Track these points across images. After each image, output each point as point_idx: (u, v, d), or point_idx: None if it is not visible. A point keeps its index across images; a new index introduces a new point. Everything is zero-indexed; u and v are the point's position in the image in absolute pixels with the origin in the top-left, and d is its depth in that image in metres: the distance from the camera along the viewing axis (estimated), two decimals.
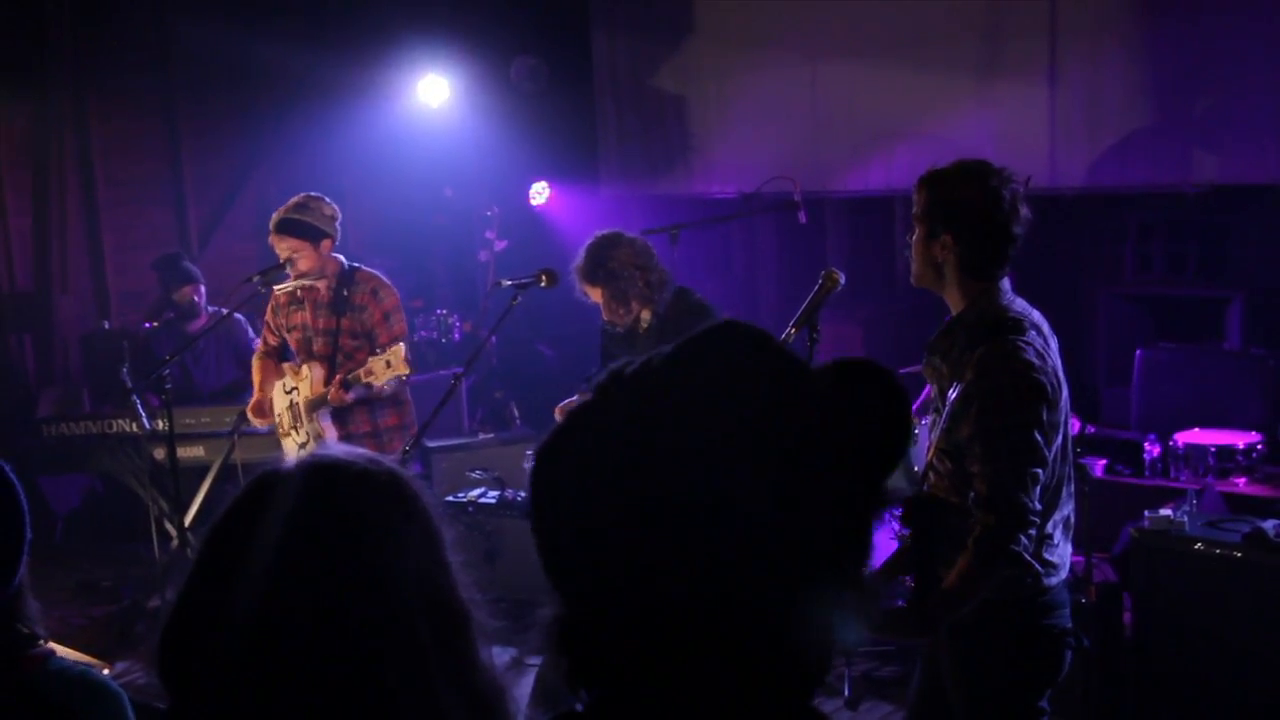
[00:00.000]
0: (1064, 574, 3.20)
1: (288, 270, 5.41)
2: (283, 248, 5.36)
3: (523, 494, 6.57)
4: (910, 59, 7.74)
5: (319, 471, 1.45)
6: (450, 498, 6.52)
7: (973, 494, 3.02)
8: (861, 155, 8.11)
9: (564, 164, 9.46)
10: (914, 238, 3.30)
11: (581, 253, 4.86)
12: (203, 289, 7.58)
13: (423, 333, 8.89)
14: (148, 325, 7.99)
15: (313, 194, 5.47)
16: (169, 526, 6.71)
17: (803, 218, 6.65)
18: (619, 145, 9.30)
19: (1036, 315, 3.23)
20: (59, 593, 6.68)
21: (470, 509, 6.37)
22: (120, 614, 6.50)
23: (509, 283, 5.22)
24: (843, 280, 4.12)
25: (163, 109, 9.20)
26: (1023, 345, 3.06)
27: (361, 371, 5.14)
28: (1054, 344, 3.22)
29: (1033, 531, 2.99)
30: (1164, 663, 4.65)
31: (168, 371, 5.61)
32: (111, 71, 8.82)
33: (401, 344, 5.16)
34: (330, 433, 5.40)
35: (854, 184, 8.27)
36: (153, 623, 6.41)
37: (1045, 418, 3.01)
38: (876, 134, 8.00)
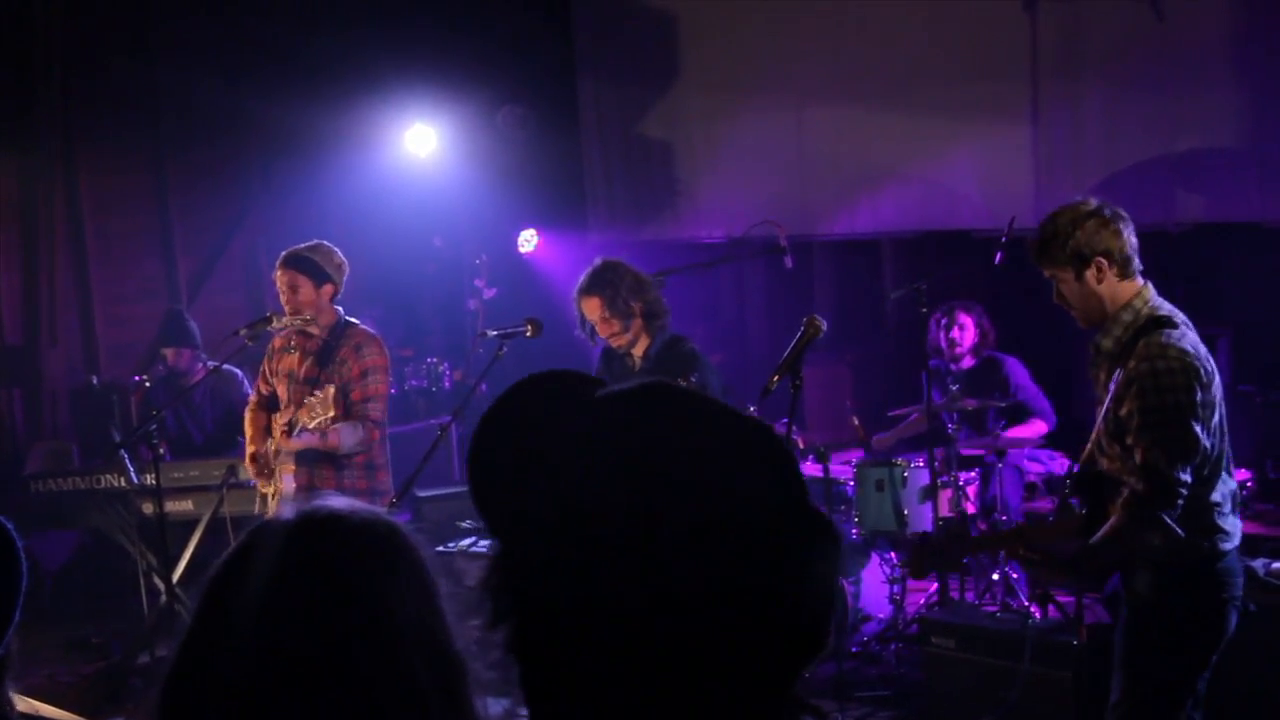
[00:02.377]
0: (1236, 541, 3.60)
1: (285, 308, 5.41)
2: (285, 282, 5.37)
3: None
4: (895, 102, 7.80)
5: (317, 523, 1.44)
6: (440, 548, 6.48)
7: (1130, 463, 3.46)
8: (848, 198, 8.15)
9: (552, 211, 9.49)
10: (1062, 293, 3.67)
11: (584, 274, 4.91)
12: (191, 354, 7.51)
13: (413, 381, 8.88)
14: (137, 378, 7.98)
15: (326, 243, 5.53)
16: (158, 582, 6.67)
17: (789, 262, 6.66)
18: (607, 191, 9.33)
19: (1182, 315, 3.64)
20: (48, 650, 6.61)
21: (460, 558, 6.33)
22: (109, 671, 6.44)
23: (494, 333, 5.23)
24: (825, 327, 4.17)
25: (151, 162, 9.22)
26: (1177, 336, 3.50)
27: (301, 412, 5.14)
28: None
29: (1180, 502, 3.40)
30: None
31: (154, 427, 5.59)
32: (100, 125, 8.85)
33: (331, 388, 5.12)
34: (288, 485, 5.34)
35: (841, 227, 8.30)
36: (145, 679, 6.35)
37: (1199, 398, 3.43)
38: (863, 177, 8.05)
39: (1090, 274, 3.56)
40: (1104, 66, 7.02)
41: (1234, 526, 3.60)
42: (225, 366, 6.81)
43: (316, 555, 1.42)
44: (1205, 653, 3.58)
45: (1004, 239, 5.95)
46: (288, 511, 1.47)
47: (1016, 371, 6.68)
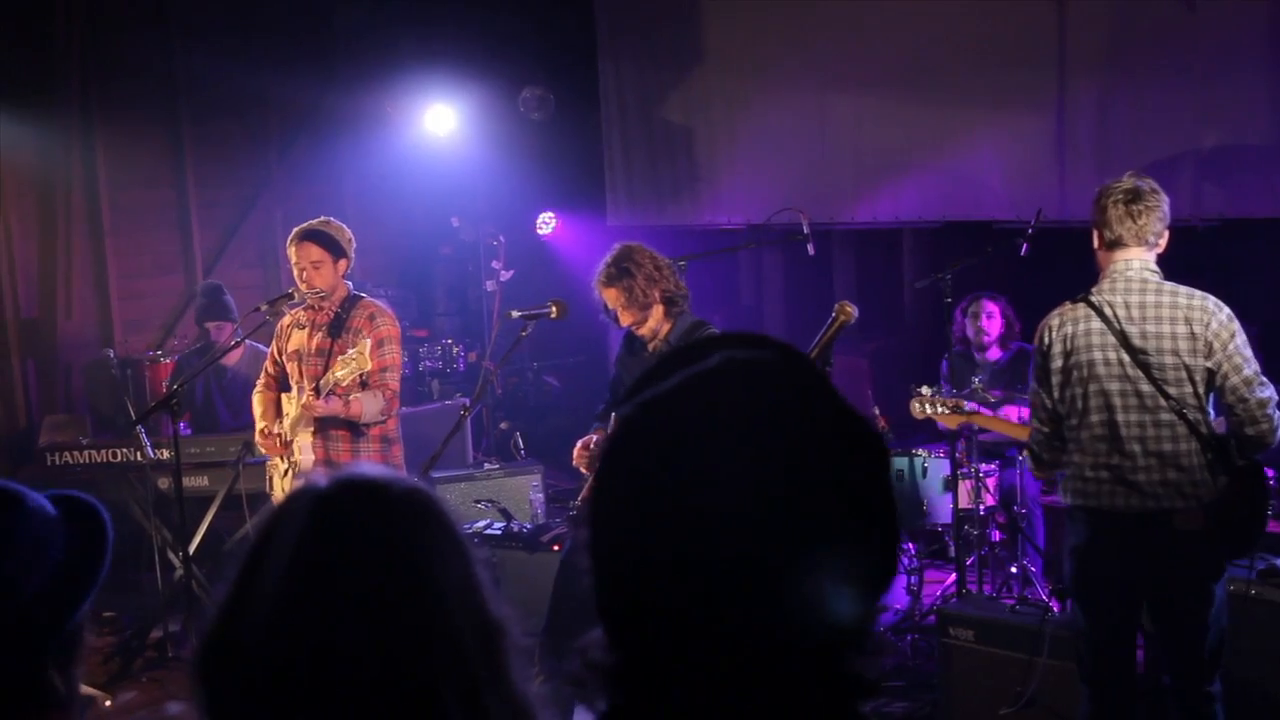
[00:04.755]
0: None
1: (299, 284, 5.39)
2: (303, 257, 5.35)
3: (528, 526, 6.52)
4: (919, 90, 7.75)
5: (358, 489, 1.44)
6: None
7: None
8: (870, 187, 8.11)
9: (571, 194, 9.46)
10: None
11: (604, 260, 4.87)
12: (231, 329, 7.45)
13: (428, 362, 8.86)
14: (151, 353, 7.96)
15: (334, 219, 5.52)
16: (172, 556, 6.66)
17: (812, 250, 6.63)
18: (626, 175, 9.29)
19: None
20: None
21: (475, 540, 6.30)
22: (122, 645, 6.43)
23: (519, 313, 5.19)
24: (856, 314, 4.14)
25: (169, 137, 9.19)
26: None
27: (334, 365, 5.11)
28: None
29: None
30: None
31: (175, 402, 5.57)
32: (119, 100, 8.81)
33: (369, 341, 5.12)
34: (307, 455, 5.33)
35: (862, 215, 8.26)
36: (159, 653, 6.35)
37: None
38: (885, 165, 8.00)
39: None
40: (1132, 58, 6.96)
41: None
42: (259, 345, 6.79)
43: (361, 519, 1.42)
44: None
45: (1030, 230, 5.91)
46: (322, 479, 1.46)
47: None
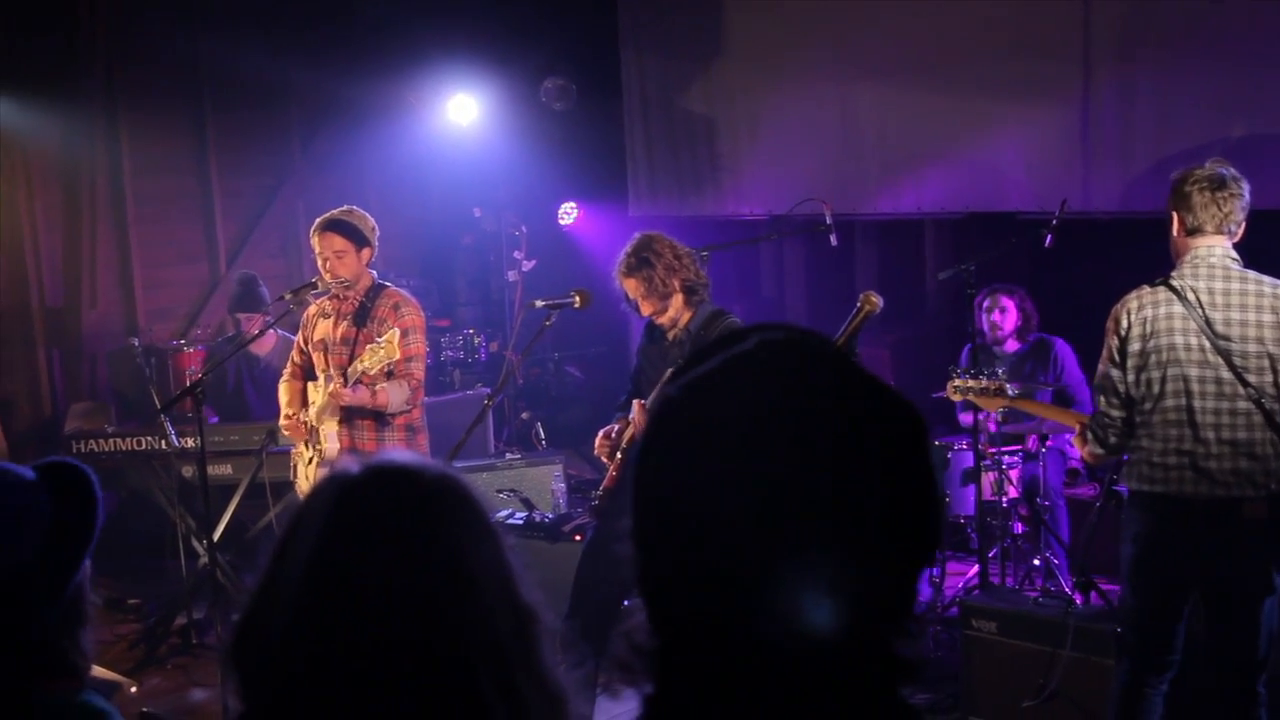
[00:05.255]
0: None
1: (323, 274, 5.41)
2: (326, 246, 5.36)
3: (550, 515, 6.53)
4: (942, 80, 7.72)
5: (391, 474, 1.46)
6: None
7: None
8: (892, 177, 8.08)
9: (593, 184, 9.47)
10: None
11: (623, 250, 4.88)
12: (262, 320, 7.43)
13: (449, 352, 8.88)
14: (175, 342, 7.99)
15: (357, 208, 5.52)
16: (196, 544, 6.70)
17: (834, 240, 6.62)
18: (648, 165, 9.28)
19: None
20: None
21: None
22: (147, 632, 6.48)
23: (543, 303, 5.20)
24: (881, 304, 4.13)
25: (193, 126, 9.23)
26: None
27: (363, 355, 5.13)
28: None
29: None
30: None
31: (200, 390, 5.59)
32: (143, 90, 8.85)
33: (396, 330, 5.14)
34: (332, 443, 5.35)
35: (884, 206, 8.24)
36: (182, 640, 6.39)
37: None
38: (907, 156, 7.97)
39: None
40: (1158, 48, 6.91)
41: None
42: (290, 335, 6.80)
43: (392, 505, 1.43)
44: None
45: (1055, 221, 5.88)
46: (353, 466, 1.48)
47: (1066, 355, 6.62)
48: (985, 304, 6.66)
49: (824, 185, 7.54)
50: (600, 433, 4.82)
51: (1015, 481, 6.15)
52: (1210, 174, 3.99)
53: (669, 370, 4.46)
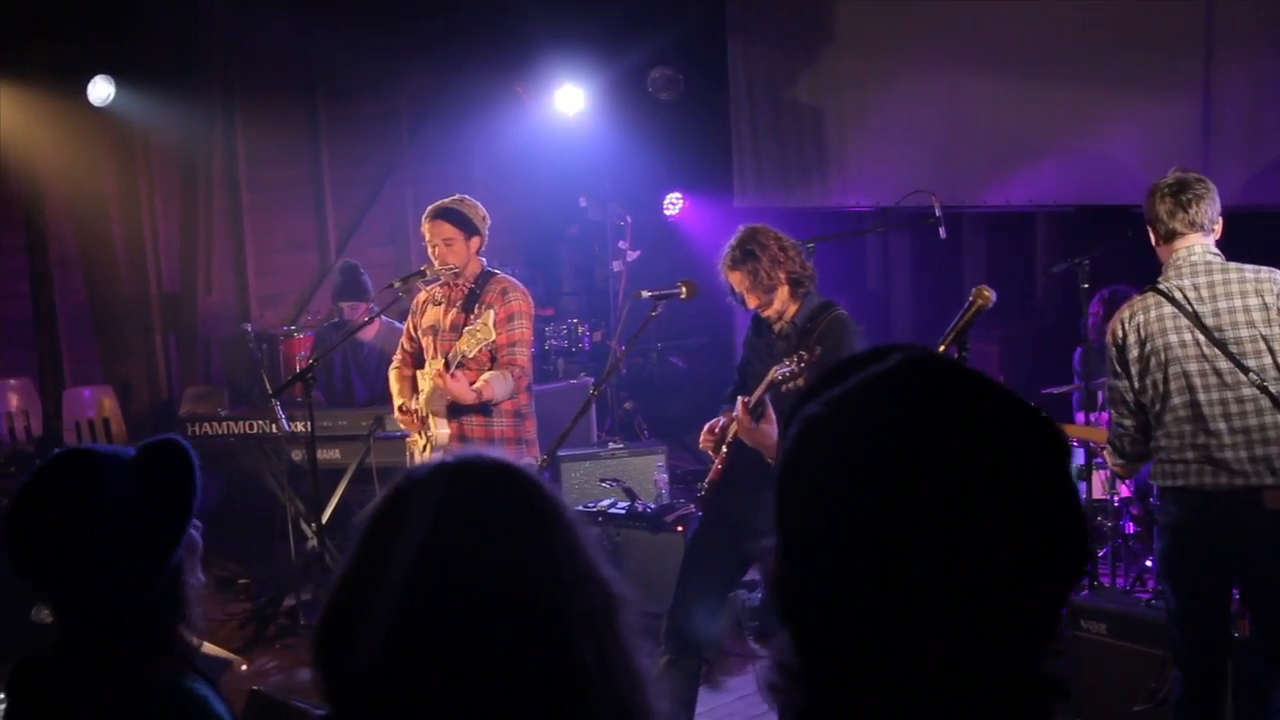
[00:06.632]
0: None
1: (432, 261, 5.46)
2: (436, 234, 5.40)
3: (652, 506, 6.54)
4: (1055, 70, 7.56)
5: (475, 468, 1.48)
6: (580, 507, 6.51)
7: None
8: (1003, 169, 7.94)
9: (698, 175, 9.45)
10: None
11: (728, 243, 4.85)
12: (366, 309, 7.50)
13: (553, 341, 8.93)
14: (286, 328, 8.14)
15: (469, 197, 5.56)
16: (305, 527, 6.82)
17: (943, 233, 6.52)
18: (754, 156, 9.23)
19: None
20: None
21: (600, 519, 6.36)
22: (256, 611, 6.61)
23: (649, 294, 5.19)
24: (994, 298, 4.11)
25: (305, 117, 9.39)
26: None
27: (461, 341, 5.16)
28: None
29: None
30: None
31: (311, 376, 5.68)
32: (257, 81, 9.03)
33: (492, 312, 5.17)
34: (442, 429, 5.39)
35: (994, 198, 8.09)
36: (291, 621, 6.52)
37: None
38: (1018, 147, 7.83)
39: None
40: None
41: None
42: (394, 322, 6.89)
43: (479, 498, 1.45)
44: None
45: None
46: (440, 458, 1.50)
47: None
48: (1103, 314, 6.45)
49: (932, 177, 7.42)
50: (705, 427, 4.81)
51: (1128, 480, 6.01)
52: (1169, 181, 4.12)
53: (778, 370, 4.42)
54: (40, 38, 7.99)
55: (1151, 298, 4.13)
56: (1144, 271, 6.90)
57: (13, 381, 8.12)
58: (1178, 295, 4.07)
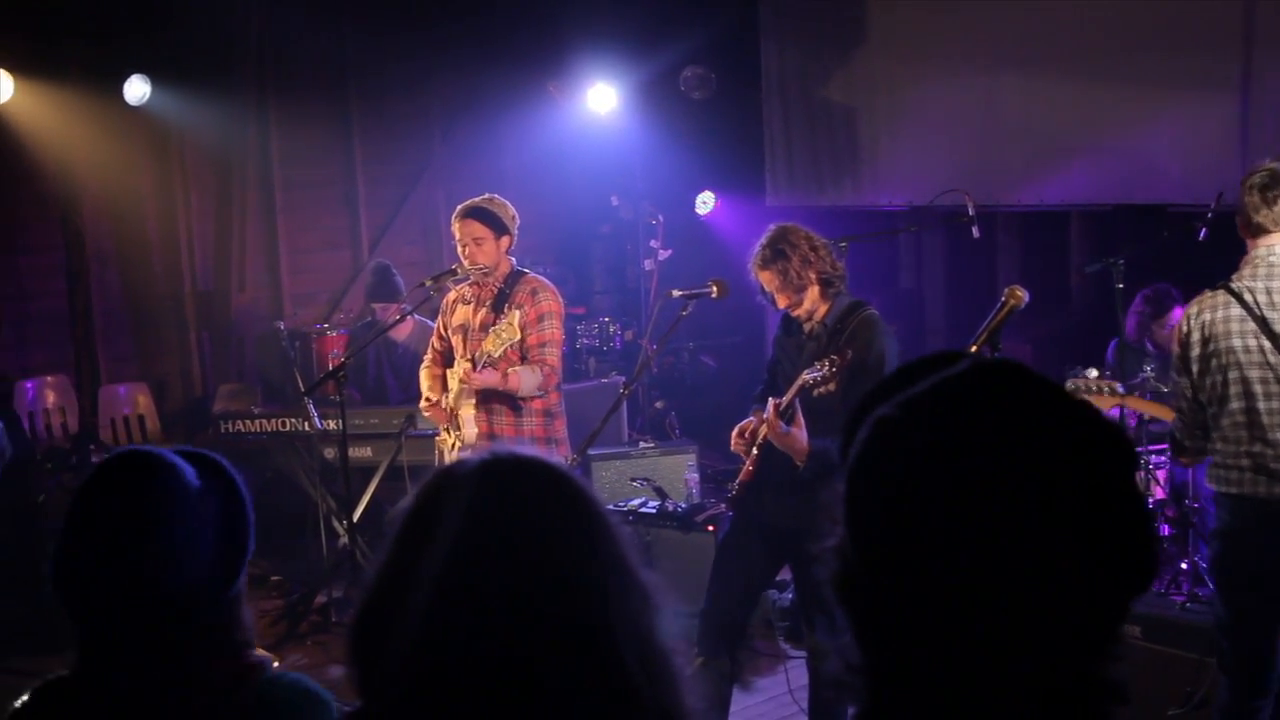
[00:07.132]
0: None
1: (462, 260, 5.46)
2: (466, 233, 5.41)
3: (683, 505, 6.53)
4: (1090, 70, 7.51)
5: (509, 467, 1.48)
6: (611, 506, 6.49)
7: None
8: (1037, 169, 7.89)
9: (730, 174, 9.43)
10: None
11: (759, 242, 4.83)
12: (398, 309, 7.50)
13: (584, 340, 8.93)
14: (319, 326, 8.17)
15: (499, 196, 5.57)
16: (337, 524, 6.85)
17: (976, 232, 6.49)
18: (786, 155, 9.21)
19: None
20: None
21: (630, 518, 6.35)
22: (289, 608, 6.64)
23: (680, 293, 5.18)
24: (1026, 298, 4.07)
25: (338, 117, 9.44)
26: None
27: (486, 340, 5.16)
28: None
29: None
30: None
31: (343, 374, 5.70)
32: (291, 81, 9.08)
33: (517, 312, 5.18)
34: (470, 428, 5.39)
35: (1028, 198, 8.05)
36: (323, 617, 6.54)
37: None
38: (1054, 147, 7.77)
39: None
40: None
41: None
42: (427, 321, 6.90)
43: (513, 496, 1.45)
44: None
45: (1209, 214, 5.68)
46: (475, 456, 1.49)
47: None
48: (1147, 311, 6.39)
49: (965, 176, 7.38)
50: (735, 429, 4.79)
51: (1162, 482, 5.96)
52: (1262, 174, 3.98)
53: (809, 374, 4.40)
54: (77, 37, 8.06)
55: (1221, 296, 4.01)
56: (1179, 271, 6.87)
57: (49, 379, 8.19)
58: (1248, 297, 3.95)
